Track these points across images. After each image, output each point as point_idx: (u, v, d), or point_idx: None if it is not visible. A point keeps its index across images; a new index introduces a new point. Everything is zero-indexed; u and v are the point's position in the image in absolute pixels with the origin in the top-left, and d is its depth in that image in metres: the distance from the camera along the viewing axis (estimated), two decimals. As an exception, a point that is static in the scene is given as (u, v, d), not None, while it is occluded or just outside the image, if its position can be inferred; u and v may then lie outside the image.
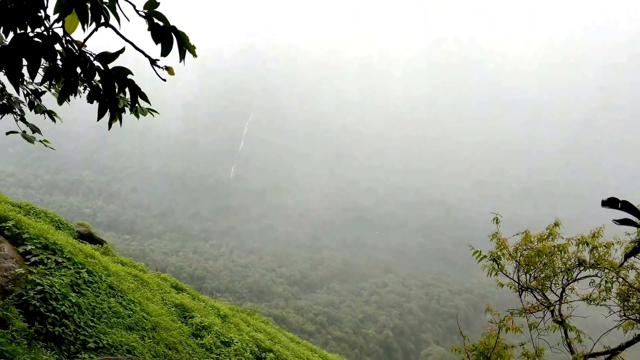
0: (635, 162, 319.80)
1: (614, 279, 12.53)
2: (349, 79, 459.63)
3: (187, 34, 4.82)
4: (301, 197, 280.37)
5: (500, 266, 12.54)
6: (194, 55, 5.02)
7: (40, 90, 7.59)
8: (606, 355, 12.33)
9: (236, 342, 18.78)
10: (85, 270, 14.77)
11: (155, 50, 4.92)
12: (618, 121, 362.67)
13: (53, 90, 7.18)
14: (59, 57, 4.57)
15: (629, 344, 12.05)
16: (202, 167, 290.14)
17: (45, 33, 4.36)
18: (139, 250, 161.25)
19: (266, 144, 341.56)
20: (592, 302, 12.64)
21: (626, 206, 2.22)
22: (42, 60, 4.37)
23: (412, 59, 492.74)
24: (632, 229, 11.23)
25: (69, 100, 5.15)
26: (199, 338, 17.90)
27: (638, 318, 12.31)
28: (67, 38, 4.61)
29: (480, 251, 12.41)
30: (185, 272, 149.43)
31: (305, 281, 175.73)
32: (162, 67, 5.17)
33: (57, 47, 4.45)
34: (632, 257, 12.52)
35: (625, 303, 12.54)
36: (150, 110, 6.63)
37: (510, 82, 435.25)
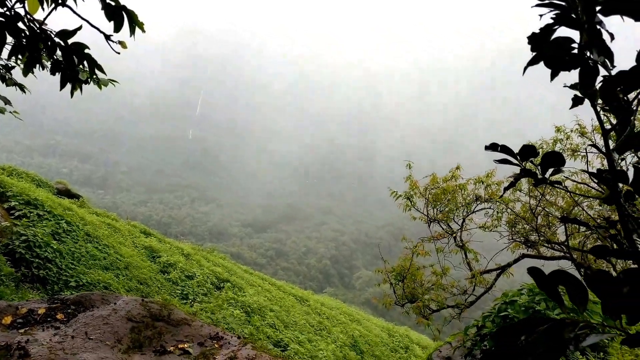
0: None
1: (503, 210, 12.95)
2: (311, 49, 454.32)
3: (137, 13, 4.67)
4: (252, 155, 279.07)
5: (412, 203, 12.75)
6: (143, 30, 4.87)
7: (10, 65, 7.27)
8: (498, 271, 12.76)
9: (198, 276, 18.74)
10: (64, 221, 14.50)
11: (109, 27, 4.77)
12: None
13: (22, 65, 6.91)
14: (23, 34, 4.39)
15: (516, 261, 12.50)
16: (165, 129, 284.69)
17: (8, 13, 4.16)
18: (112, 203, 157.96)
19: (219, 110, 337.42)
20: (486, 229, 13.01)
21: (504, 149, 2.31)
22: (8, 37, 4.16)
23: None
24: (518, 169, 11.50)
25: (33, 72, 4.95)
26: (166, 274, 17.81)
27: (523, 240, 12.74)
28: (29, 17, 4.42)
29: (397, 192, 12.60)
30: (153, 220, 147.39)
31: (257, 223, 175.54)
32: (116, 42, 5.01)
33: (21, 25, 4.27)
34: (518, 192, 12.92)
35: (513, 229, 12.97)
36: (111, 81, 6.43)
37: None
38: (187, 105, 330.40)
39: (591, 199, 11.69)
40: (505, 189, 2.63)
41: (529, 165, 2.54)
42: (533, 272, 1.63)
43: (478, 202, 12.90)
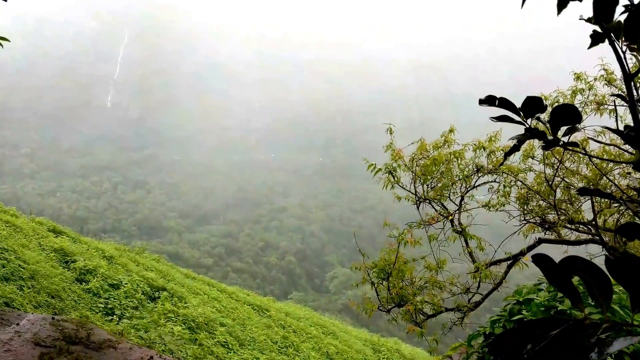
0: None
1: (512, 183, 12.96)
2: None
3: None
4: (185, 122, 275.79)
5: (396, 178, 12.63)
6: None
7: None
8: (508, 262, 12.83)
9: (126, 284, 18.66)
10: (-54, 220, 14.31)
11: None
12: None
13: None
14: None
15: (530, 248, 12.55)
16: (75, 96, 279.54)
17: None
18: (11, 194, 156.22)
19: (145, 67, 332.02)
20: (491, 209, 13.04)
21: (503, 102, 2.26)
22: None
23: None
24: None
25: None
26: (84, 283, 17.70)
27: (538, 221, 12.83)
28: None
29: (375, 164, 12.42)
30: (65, 214, 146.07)
31: (199, 213, 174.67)
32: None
33: None
34: (531, 160, 13.00)
35: (525, 207, 13.04)
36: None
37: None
38: (104, 66, 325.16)
39: (624, 165, 11.72)
40: (506, 154, 2.60)
41: (536, 123, 2.52)
42: (538, 260, 1.61)
43: (479, 175, 12.85)
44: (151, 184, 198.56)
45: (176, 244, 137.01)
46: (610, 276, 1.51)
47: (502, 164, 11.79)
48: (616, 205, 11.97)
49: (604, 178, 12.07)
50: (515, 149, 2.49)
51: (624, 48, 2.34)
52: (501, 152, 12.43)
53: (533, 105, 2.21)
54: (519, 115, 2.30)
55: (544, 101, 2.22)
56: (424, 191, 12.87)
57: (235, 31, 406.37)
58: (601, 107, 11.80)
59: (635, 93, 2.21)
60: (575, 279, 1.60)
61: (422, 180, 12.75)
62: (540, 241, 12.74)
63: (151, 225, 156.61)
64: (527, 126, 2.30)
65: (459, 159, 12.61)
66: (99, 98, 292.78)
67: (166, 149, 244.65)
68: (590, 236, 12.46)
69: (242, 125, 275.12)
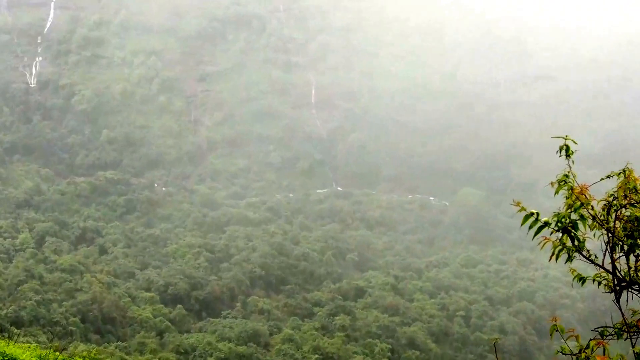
0: None
1: None
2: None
3: None
4: (175, 113, 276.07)
5: (579, 242, 12.23)
6: None
7: None
8: None
9: None
10: None
11: None
12: None
13: None
14: None
15: None
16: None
17: None
18: None
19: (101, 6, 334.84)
20: None
21: None
22: None
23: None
24: None
25: None
26: None
27: None
28: None
29: (537, 214, 12.01)
30: None
31: (198, 293, 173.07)
32: None
33: None
34: None
35: None
36: None
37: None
38: (30, 10, 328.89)
39: None
40: None
41: None
42: None
43: None
44: (107, 234, 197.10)
45: (153, 353, 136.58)
46: None
47: None
48: None
49: None
50: None
51: None
52: None
53: None
54: None
55: None
56: (629, 267, 12.49)
57: None
58: None
59: None
60: None
61: (626, 248, 12.32)
62: None
63: (107, 313, 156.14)
64: None
65: None
66: (16, 72, 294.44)
67: (133, 161, 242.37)
68: None
69: (277, 111, 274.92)
